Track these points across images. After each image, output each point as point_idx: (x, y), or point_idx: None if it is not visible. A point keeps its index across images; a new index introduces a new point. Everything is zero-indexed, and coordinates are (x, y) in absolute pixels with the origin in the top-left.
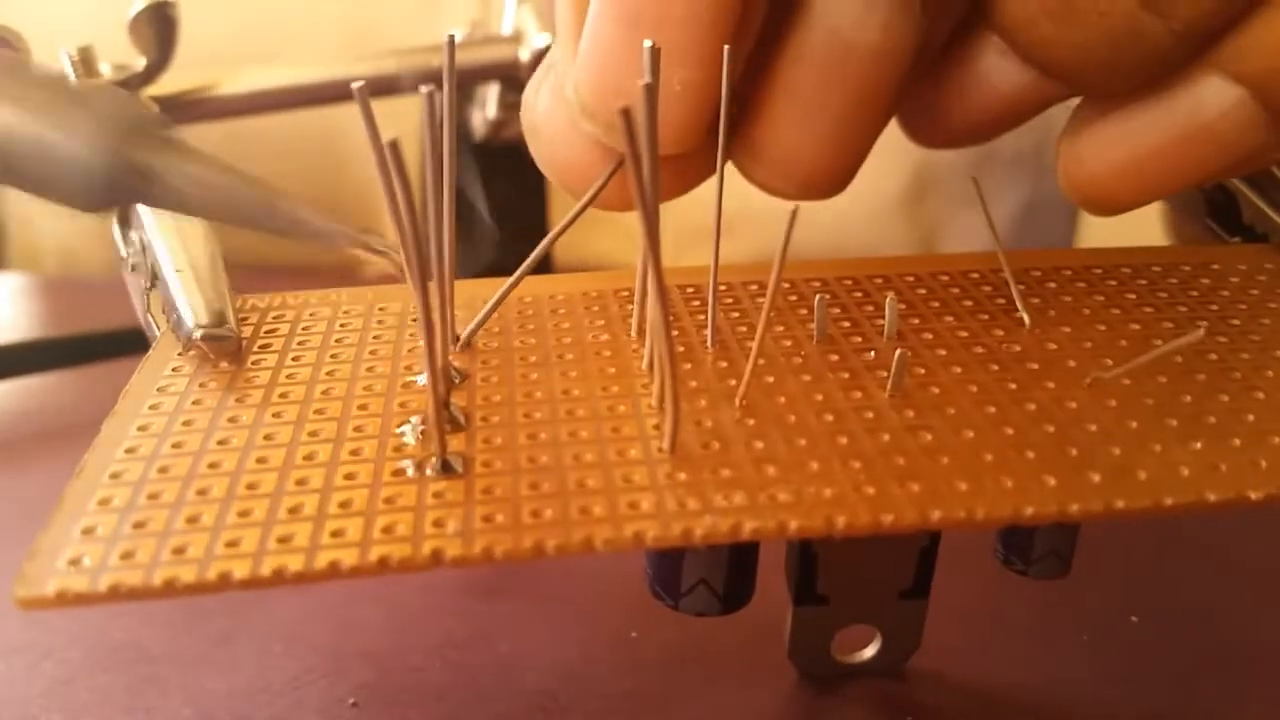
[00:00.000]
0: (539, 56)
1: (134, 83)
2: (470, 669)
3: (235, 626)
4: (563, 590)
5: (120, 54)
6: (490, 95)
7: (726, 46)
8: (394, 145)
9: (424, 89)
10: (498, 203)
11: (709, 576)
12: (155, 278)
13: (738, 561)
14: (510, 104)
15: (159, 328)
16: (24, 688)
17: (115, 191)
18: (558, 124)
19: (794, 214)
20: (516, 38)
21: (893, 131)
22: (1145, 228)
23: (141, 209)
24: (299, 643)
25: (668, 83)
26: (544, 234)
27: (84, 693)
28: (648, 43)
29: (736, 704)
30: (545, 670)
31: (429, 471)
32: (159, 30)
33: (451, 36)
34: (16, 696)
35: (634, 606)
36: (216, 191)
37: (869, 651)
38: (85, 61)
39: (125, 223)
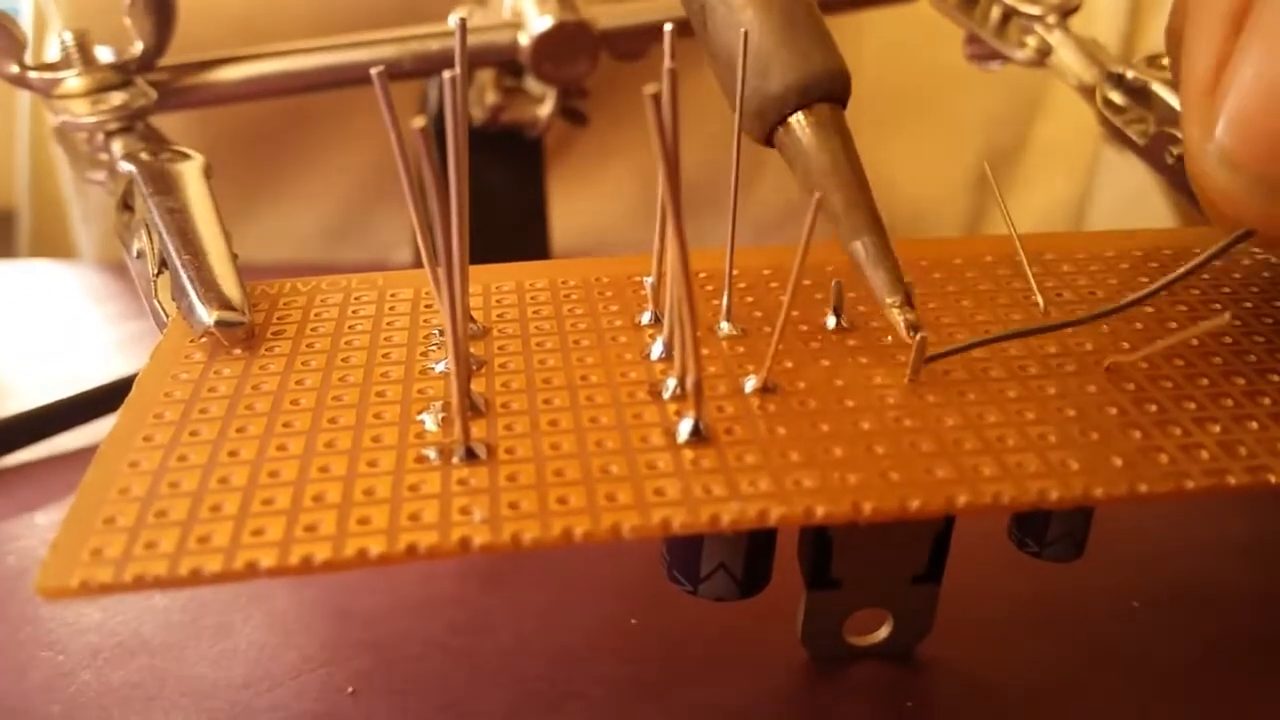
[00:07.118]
0: (538, 40)
1: (131, 68)
2: (470, 657)
3: (234, 617)
4: (562, 578)
5: None
6: (487, 80)
7: None
8: (425, 131)
9: (447, 74)
10: (494, 188)
11: (728, 561)
12: (163, 264)
13: (756, 546)
14: (508, 89)
15: (167, 314)
16: (22, 681)
17: None
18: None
19: (817, 200)
20: (515, 21)
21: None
22: (1150, 214)
23: (145, 191)
24: (298, 632)
25: None
26: (541, 220)
27: (83, 685)
28: (668, 27)
29: (736, 690)
30: (545, 658)
31: (453, 459)
32: (156, 15)
33: (463, 20)
34: (15, 690)
35: (633, 593)
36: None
37: (880, 634)
38: (81, 47)
39: (128, 209)
